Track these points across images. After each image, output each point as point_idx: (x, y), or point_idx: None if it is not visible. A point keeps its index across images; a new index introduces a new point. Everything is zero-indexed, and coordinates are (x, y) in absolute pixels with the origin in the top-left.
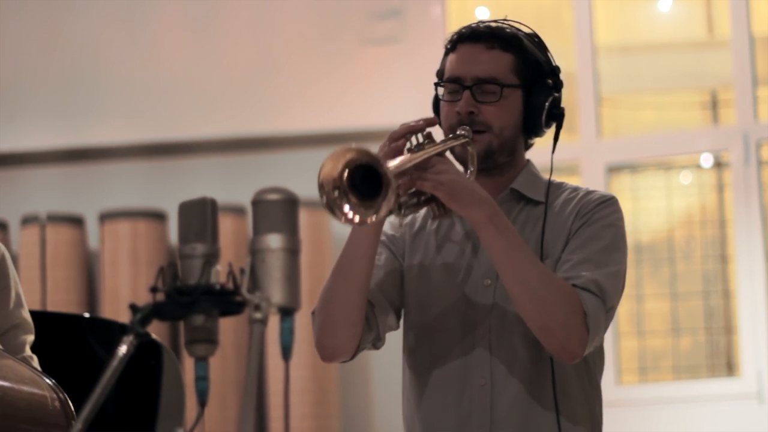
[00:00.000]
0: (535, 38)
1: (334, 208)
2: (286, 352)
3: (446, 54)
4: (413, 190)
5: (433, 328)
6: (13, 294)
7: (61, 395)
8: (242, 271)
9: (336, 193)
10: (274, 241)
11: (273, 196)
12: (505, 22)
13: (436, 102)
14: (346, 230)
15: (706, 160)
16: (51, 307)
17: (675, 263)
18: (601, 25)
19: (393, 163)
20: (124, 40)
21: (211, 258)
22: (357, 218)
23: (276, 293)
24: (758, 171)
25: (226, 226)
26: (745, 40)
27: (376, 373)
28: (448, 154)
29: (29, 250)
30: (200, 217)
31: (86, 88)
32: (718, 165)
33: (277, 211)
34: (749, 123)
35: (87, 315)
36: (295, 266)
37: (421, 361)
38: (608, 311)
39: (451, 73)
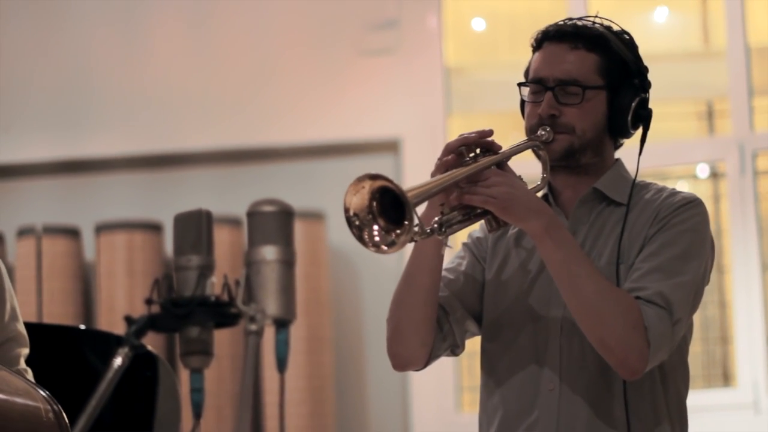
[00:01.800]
0: (625, 35)
1: (362, 235)
2: (282, 363)
3: (533, 51)
4: (463, 204)
5: (506, 333)
6: (8, 307)
7: (55, 407)
8: (237, 282)
9: (368, 218)
10: (269, 252)
11: (268, 208)
12: (596, 18)
13: (523, 103)
14: (341, 241)
15: (702, 170)
16: (47, 319)
17: None
18: None
19: (417, 186)
20: (120, 52)
21: (207, 270)
22: (384, 246)
23: (271, 305)
24: (754, 181)
25: (221, 237)
26: (741, 51)
27: (372, 384)
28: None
29: (25, 262)
30: (195, 228)
31: (82, 99)
32: (714, 175)
33: (273, 222)
34: (745, 133)
35: (83, 327)
36: (291, 278)
37: (494, 365)
38: (675, 324)
39: (534, 74)
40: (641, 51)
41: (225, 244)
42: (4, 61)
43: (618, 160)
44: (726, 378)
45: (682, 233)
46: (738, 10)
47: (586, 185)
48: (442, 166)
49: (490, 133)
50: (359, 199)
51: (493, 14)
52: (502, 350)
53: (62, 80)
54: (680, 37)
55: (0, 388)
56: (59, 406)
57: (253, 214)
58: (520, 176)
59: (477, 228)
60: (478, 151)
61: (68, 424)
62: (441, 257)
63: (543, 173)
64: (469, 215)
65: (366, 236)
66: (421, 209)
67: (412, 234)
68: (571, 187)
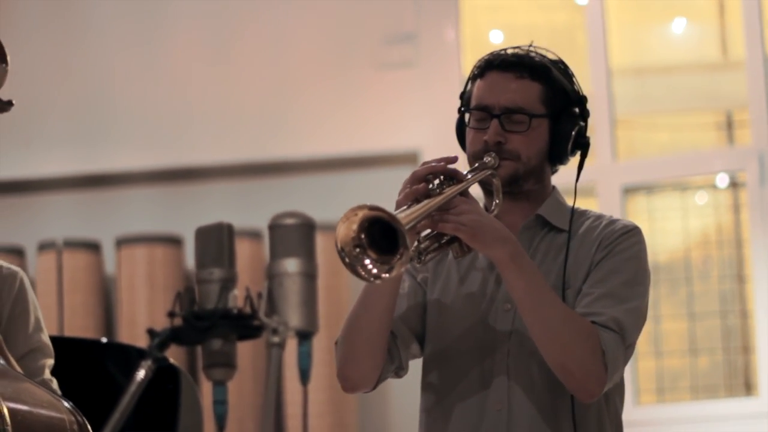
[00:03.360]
0: (561, 65)
1: (356, 268)
2: (305, 375)
3: (473, 79)
4: (434, 232)
5: (452, 354)
6: (32, 318)
7: (79, 418)
8: (260, 295)
9: (356, 252)
10: (291, 265)
11: (290, 221)
12: (531, 49)
13: (461, 127)
14: None
15: (722, 180)
16: (68, 333)
17: (692, 283)
18: (616, 47)
19: (406, 213)
20: (140, 67)
21: (229, 282)
22: (380, 273)
23: (293, 317)
24: None
25: (243, 250)
26: (760, 61)
27: (395, 396)
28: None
29: (46, 276)
30: (217, 241)
31: (102, 114)
32: (734, 185)
33: (294, 235)
34: (764, 143)
35: (104, 340)
36: (313, 290)
37: (439, 386)
38: (627, 348)
39: (479, 101)
40: (660, 62)
41: (246, 257)
42: (25, 76)
43: (554, 187)
44: (748, 387)
45: (627, 260)
46: (756, 21)
47: (525, 212)
48: (411, 195)
49: (456, 159)
50: (345, 230)
51: (511, 26)
52: (446, 371)
53: (83, 95)
54: (698, 47)
55: (24, 399)
56: (83, 417)
57: (275, 226)
58: (479, 203)
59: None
60: (441, 178)
61: None
62: (398, 281)
63: (495, 199)
64: (440, 242)
65: (360, 269)
66: None
67: (406, 258)
68: (510, 213)
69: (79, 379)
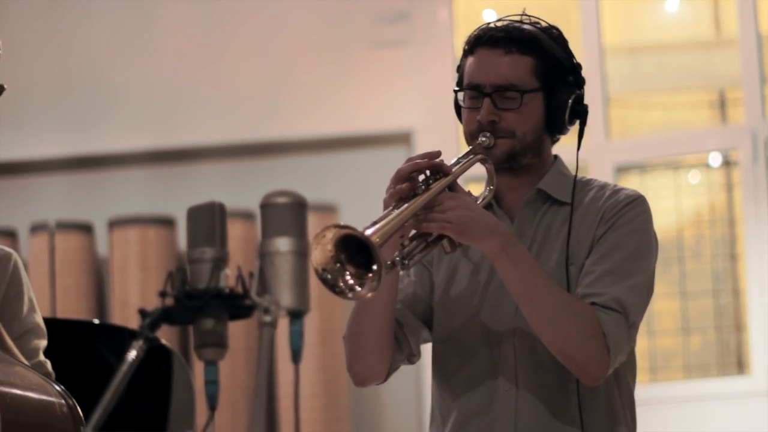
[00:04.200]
0: (553, 30)
1: (336, 289)
2: (296, 355)
3: (464, 55)
4: (420, 232)
5: (460, 335)
6: (26, 299)
7: (69, 401)
8: (251, 274)
9: (337, 267)
10: (282, 244)
11: (281, 200)
12: (523, 17)
13: (458, 106)
14: None
15: (715, 159)
16: (61, 314)
17: (684, 262)
18: (608, 25)
19: (378, 227)
20: (131, 48)
21: (220, 262)
22: (357, 292)
23: (285, 296)
24: (767, 169)
25: (234, 230)
26: (753, 39)
27: None
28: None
29: (38, 258)
30: (209, 221)
31: (94, 95)
32: (727, 164)
33: (286, 214)
34: (757, 121)
35: (97, 321)
36: (304, 269)
37: (448, 368)
38: (631, 327)
39: (470, 79)
40: (653, 40)
41: (238, 237)
42: (16, 58)
43: (557, 157)
44: (740, 366)
45: (630, 233)
46: None
47: (528, 186)
48: (396, 194)
49: (439, 153)
50: (322, 254)
51: (504, 5)
52: (455, 353)
53: (74, 77)
54: (692, 26)
55: (14, 382)
56: (73, 400)
57: (266, 205)
58: (469, 192)
59: None
60: (428, 173)
61: (82, 418)
62: (398, 275)
63: (488, 185)
64: (427, 242)
65: (341, 287)
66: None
67: (382, 275)
68: (514, 189)
69: (71, 360)
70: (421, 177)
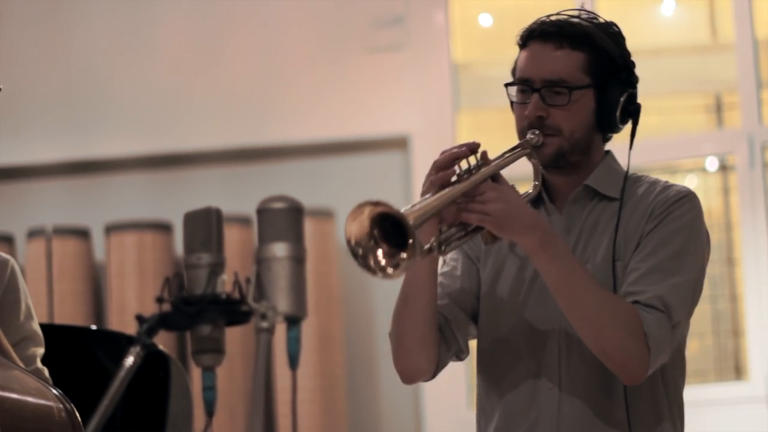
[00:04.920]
0: (613, 28)
1: (368, 262)
2: (293, 361)
3: (520, 48)
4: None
5: (505, 332)
6: (23, 306)
7: (67, 406)
8: (248, 280)
9: (370, 243)
10: (279, 249)
11: (278, 205)
12: (580, 12)
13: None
14: None
15: (711, 163)
16: (58, 320)
17: None
18: None
19: (417, 207)
20: (128, 52)
21: (217, 268)
22: (387, 269)
23: (282, 302)
24: (763, 174)
25: (231, 235)
26: (749, 43)
27: (384, 382)
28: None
29: (36, 263)
30: (205, 226)
31: (91, 100)
32: (724, 168)
33: (283, 219)
34: (754, 126)
35: (94, 327)
36: (301, 275)
37: (493, 365)
38: (674, 327)
39: (520, 74)
40: (649, 45)
41: (235, 242)
42: (13, 63)
43: (608, 152)
44: (738, 371)
45: (678, 230)
46: (745, 3)
47: (577, 183)
48: (436, 182)
49: (478, 145)
50: (359, 227)
51: (500, 10)
52: (500, 350)
53: (71, 81)
54: (688, 30)
55: (13, 387)
56: (72, 405)
57: (263, 211)
58: (513, 185)
59: None
60: (470, 164)
61: (81, 423)
62: (435, 273)
63: (535, 181)
64: (466, 231)
65: (372, 263)
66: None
67: (415, 256)
68: (563, 186)
69: (68, 366)
70: (464, 166)
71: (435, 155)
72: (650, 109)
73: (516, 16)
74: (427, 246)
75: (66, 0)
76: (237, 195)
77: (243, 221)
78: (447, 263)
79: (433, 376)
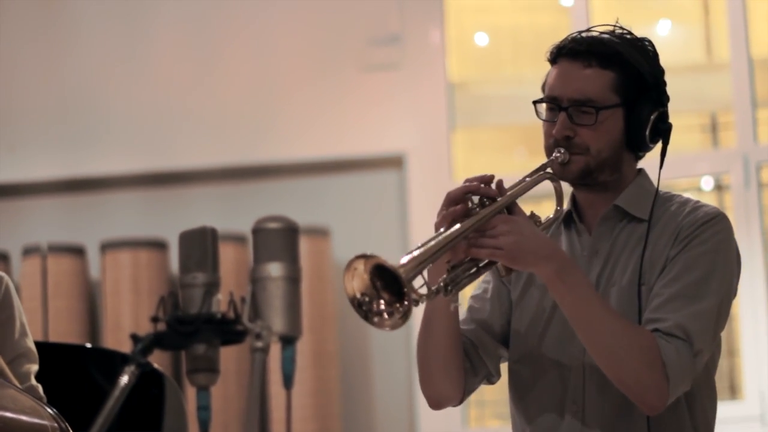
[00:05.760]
0: (644, 44)
1: (370, 316)
2: (288, 380)
3: (551, 64)
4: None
5: (533, 354)
6: (17, 324)
7: (62, 425)
8: (243, 299)
9: (371, 299)
10: (274, 269)
11: (273, 225)
12: (614, 28)
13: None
14: (345, 257)
15: (707, 183)
16: (53, 338)
17: None
18: None
19: (412, 257)
20: (125, 71)
21: (212, 287)
22: (385, 322)
23: (277, 322)
24: (759, 193)
25: (226, 255)
26: (744, 63)
27: (378, 399)
28: None
29: (30, 281)
30: (201, 246)
31: (86, 118)
32: (719, 188)
33: (278, 239)
34: (749, 145)
35: (89, 345)
36: (296, 294)
37: (521, 387)
38: (696, 355)
39: (549, 92)
40: None
41: (230, 261)
42: (8, 80)
43: (641, 171)
44: (733, 391)
45: (704, 254)
46: (741, 22)
47: (607, 202)
48: (448, 216)
49: (492, 178)
50: (360, 282)
51: (496, 29)
52: (528, 372)
53: (66, 99)
54: (683, 49)
55: (7, 406)
56: (66, 423)
57: (258, 231)
58: (532, 213)
59: None
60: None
61: None
62: (456, 305)
63: (557, 206)
64: (477, 267)
65: (375, 318)
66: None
67: (413, 305)
68: (593, 205)
69: (63, 384)
70: (476, 199)
71: (431, 174)
72: None
73: (512, 35)
74: (434, 287)
75: (62, 17)
76: (232, 213)
77: (238, 240)
78: (479, 285)
79: (461, 401)
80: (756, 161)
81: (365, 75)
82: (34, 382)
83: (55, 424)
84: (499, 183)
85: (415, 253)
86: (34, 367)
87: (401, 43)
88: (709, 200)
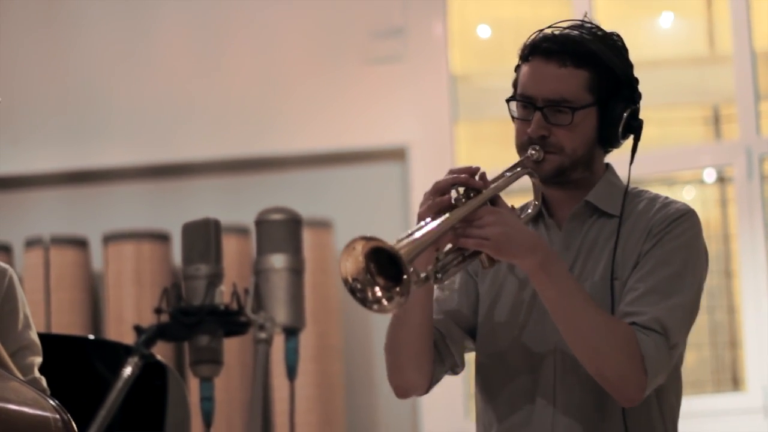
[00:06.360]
0: (613, 38)
1: (365, 301)
2: (291, 371)
3: (521, 60)
4: (456, 247)
5: (503, 352)
6: (21, 316)
7: (64, 416)
8: (246, 291)
9: (364, 284)
10: (277, 261)
11: (276, 216)
12: (583, 22)
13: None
14: None
15: (709, 175)
16: (56, 329)
17: None
18: None
19: (409, 241)
20: (127, 62)
21: (215, 278)
22: (383, 305)
23: (280, 313)
24: (761, 185)
25: (229, 246)
26: (747, 55)
27: (382, 392)
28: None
29: (33, 273)
30: (204, 237)
31: (89, 110)
32: (721, 180)
33: (281, 231)
34: (752, 138)
35: (92, 337)
36: (299, 286)
37: (490, 383)
38: (672, 348)
39: (522, 90)
40: (648, 56)
41: (233, 253)
42: (12, 73)
43: (608, 166)
44: (735, 382)
45: (677, 250)
46: (743, 15)
47: (576, 198)
48: (433, 207)
49: (477, 169)
50: (354, 264)
51: (498, 21)
52: (497, 369)
53: (69, 91)
54: (686, 42)
55: (9, 397)
56: (69, 415)
57: (261, 222)
58: (512, 206)
59: None
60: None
61: None
62: (430, 292)
63: (534, 200)
64: (463, 256)
65: (370, 298)
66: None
67: (410, 290)
68: (564, 202)
69: (66, 376)
70: (461, 190)
71: (433, 166)
72: (648, 121)
73: (515, 27)
74: (423, 275)
75: (64, 10)
76: (235, 205)
77: (241, 232)
78: None
79: (427, 391)
80: (759, 153)
81: (368, 67)
82: (37, 374)
83: (58, 416)
84: (483, 175)
85: (417, 235)
86: (38, 360)
87: (404, 36)
88: (712, 193)
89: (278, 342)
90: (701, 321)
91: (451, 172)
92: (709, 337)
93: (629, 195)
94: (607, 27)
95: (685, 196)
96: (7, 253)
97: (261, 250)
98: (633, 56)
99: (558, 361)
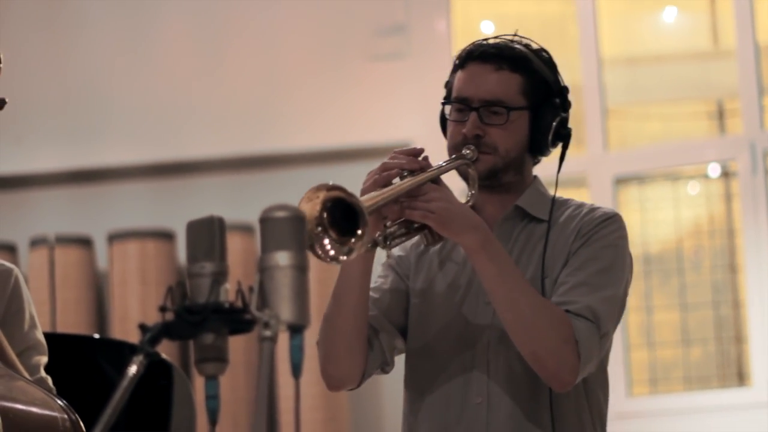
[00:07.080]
0: (543, 53)
1: (314, 247)
2: (296, 369)
3: (454, 69)
4: (403, 219)
5: (433, 347)
6: (27, 315)
7: (72, 416)
8: (251, 289)
9: (317, 230)
10: (282, 258)
11: (280, 214)
12: (514, 38)
13: (444, 119)
14: None
15: (714, 169)
16: (61, 329)
17: (684, 274)
18: (607, 37)
19: (370, 196)
20: (131, 62)
21: (220, 276)
22: (337, 255)
23: (285, 310)
24: (766, 180)
25: (234, 244)
26: (751, 50)
27: (387, 389)
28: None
29: (38, 272)
30: (208, 235)
31: (93, 109)
32: (726, 174)
33: (285, 228)
34: (756, 132)
35: (97, 336)
36: (304, 283)
37: (420, 380)
38: (602, 337)
39: (458, 93)
40: (651, 51)
41: (238, 250)
42: (16, 72)
43: (536, 177)
44: (741, 377)
45: (605, 248)
46: (747, 9)
47: (507, 203)
48: (380, 180)
49: (421, 151)
50: (310, 210)
51: (502, 17)
52: (428, 365)
53: (73, 90)
54: (689, 36)
55: (17, 397)
56: (76, 415)
57: (265, 219)
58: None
59: (397, 249)
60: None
61: None
62: (368, 276)
63: (471, 190)
64: (409, 229)
65: (318, 247)
66: None
67: (363, 244)
68: (490, 205)
69: (71, 375)
70: (404, 172)
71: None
72: (652, 116)
73: (518, 23)
74: (371, 239)
75: (68, 10)
76: (239, 203)
77: (245, 229)
78: (375, 279)
79: (359, 384)
80: (763, 148)
81: (371, 64)
82: (43, 373)
83: (65, 416)
84: (426, 158)
85: (371, 194)
86: (44, 359)
87: (407, 33)
88: (716, 187)
89: (283, 340)
90: (706, 316)
91: (396, 153)
92: (714, 332)
93: (557, 202)
94: (612, 22)
95: (690, 190)
96: (12, 253)
97: (265, 248)
98: (637, 51)
99: (491, 355)
